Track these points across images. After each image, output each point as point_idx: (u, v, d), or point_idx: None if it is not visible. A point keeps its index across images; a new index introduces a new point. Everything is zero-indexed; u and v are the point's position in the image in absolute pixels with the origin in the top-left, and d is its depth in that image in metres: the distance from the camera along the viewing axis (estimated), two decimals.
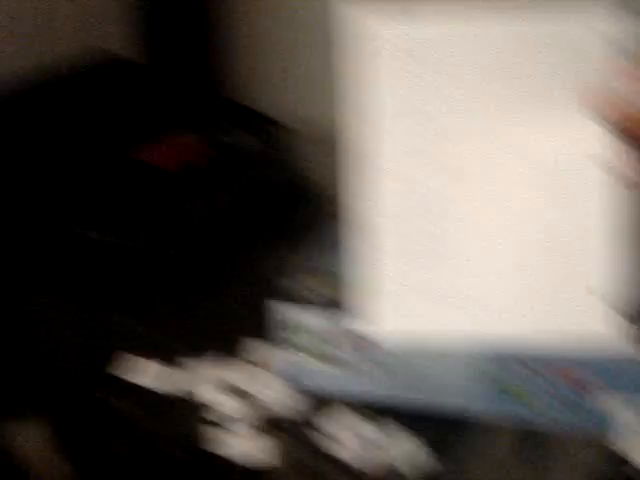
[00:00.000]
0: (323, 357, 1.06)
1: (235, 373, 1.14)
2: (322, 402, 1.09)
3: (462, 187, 0.69)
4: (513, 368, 1.00)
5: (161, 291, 1.35)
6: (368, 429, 1.03)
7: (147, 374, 1.14)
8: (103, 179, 1.50)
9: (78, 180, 1.48)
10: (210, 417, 1.06)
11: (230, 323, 1.26)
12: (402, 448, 1.01)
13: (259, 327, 1.11)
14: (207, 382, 1.12)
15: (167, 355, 1.17)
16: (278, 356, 1.09)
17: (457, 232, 0.70)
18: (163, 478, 1.11)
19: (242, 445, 1.02)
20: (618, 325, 0.68)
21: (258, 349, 1.17)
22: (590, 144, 0.66)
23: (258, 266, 1.35)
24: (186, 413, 1.09)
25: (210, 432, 1.04)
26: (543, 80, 0.67)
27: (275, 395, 1.09)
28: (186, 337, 1.23)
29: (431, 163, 0.69)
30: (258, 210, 1.55)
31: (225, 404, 1.08)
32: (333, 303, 1.01)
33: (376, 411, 1.07)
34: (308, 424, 1.06)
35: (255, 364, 1.15)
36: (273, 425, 1.06)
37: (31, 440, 1.31)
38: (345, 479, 0.98)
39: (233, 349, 1.18)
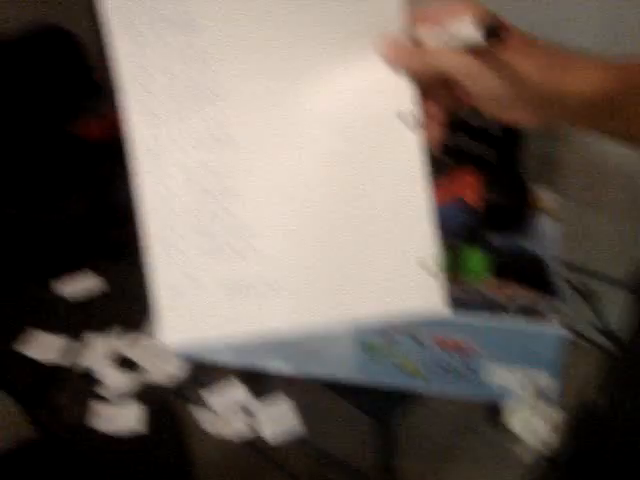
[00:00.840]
0: None
1: (130, 347, 1.15)
2: (205, 371, 1.10)
3: (240, 158, 0.60)
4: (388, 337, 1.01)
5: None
6: (242, 396, 1.03)
7: (48, 348, 1.16)
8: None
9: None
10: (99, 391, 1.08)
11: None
12: (271, 413, 1.01)
13: None
14: (102, 355, 1.13)
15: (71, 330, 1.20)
16: None
17: (247, 213, 0.61)
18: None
19: (121, 417, 1.03)
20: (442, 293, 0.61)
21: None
22: (389, 97, 0.60)
23: None
24: (76, 386, 1.10)
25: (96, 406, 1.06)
26: (321, 28, 0.59)
27: (161, 365, 1.10)
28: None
29: (196, 135, 0.60)
30: None
31: (114, 377, 1.09)
32: None
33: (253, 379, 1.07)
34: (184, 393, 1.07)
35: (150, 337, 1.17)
36: (150, 394, 1.07)
37: None
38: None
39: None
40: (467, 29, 0.51)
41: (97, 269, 1.37)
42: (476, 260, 1.09)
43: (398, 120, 0.60)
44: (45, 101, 1.66)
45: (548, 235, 1.27)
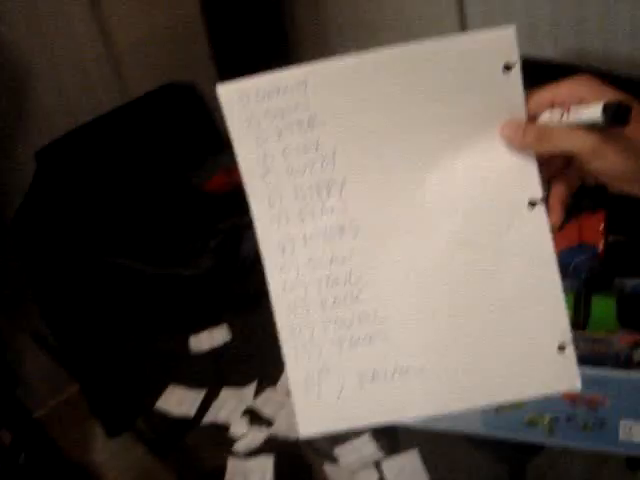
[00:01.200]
0: None
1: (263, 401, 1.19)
2: None
3: (366, 246, 0.62)
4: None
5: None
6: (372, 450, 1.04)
7: (184, 402, 1.22)
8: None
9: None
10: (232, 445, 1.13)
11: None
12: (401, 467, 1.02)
13: None
14: (235, 410, 1.18)
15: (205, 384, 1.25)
16: None
17: (375, 300, 0.62)
18: None
19: (254, 471, 1.07)
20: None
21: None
22: (517, 184, 0.60)
23: None
24: (210, 440, 1.15)
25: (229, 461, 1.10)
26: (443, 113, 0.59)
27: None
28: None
29: (322, 226, 0.62)
30: None
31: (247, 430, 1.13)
32: None
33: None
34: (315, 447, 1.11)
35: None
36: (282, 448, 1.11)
37: None
38: None
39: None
40: (593, 113, 0.51)
41: (230, 323, 1.42)
42: (605, 308, 1.07)
43: (527, 206, 0.60)
44: (170, 155, 1.74)
45: None
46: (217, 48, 2.12)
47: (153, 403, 1.25)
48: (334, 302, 0.62)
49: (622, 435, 0.99)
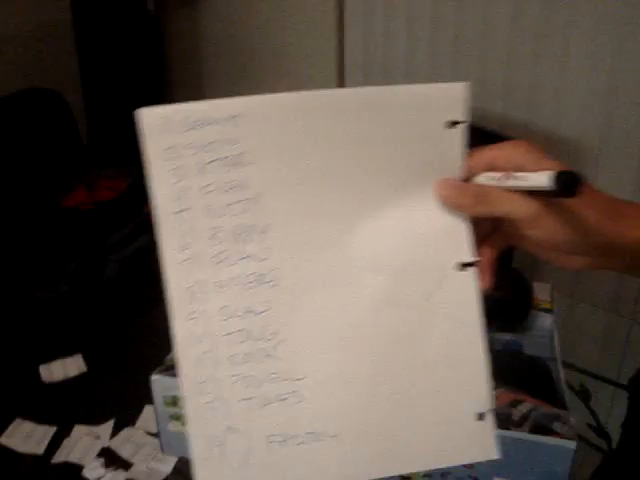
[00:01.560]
0: None
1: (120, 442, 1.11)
2: None
3: (286, 300, 0.57)
4: None
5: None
6: None
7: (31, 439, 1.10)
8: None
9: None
10: None
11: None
12: None
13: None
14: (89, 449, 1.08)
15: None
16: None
17: (292, 357, 0.57)
18: None
19: None
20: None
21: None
22: (448, 245, 0.58)
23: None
24: None
25: None
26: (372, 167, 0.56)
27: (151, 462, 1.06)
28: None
29: (239, 275, 0.56)
30: None
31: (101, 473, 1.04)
32: None
33: None
34: None
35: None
36: None
37: None
38: None
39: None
40: (543, 180, 0.49)
41: (86, 353, 1.32)
42: None
43: (456, 269, 0.57)
44: (28, 163, 1.62)
45: (546, 332, 1.26)
46: (84, 59, 2.02)
47: None
48: (245, 358, 0.57)
49: None
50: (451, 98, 0.55)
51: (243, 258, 0.55)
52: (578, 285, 1.66)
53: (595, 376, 1.48)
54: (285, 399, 0.57)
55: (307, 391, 0.57)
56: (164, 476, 1.06)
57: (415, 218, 0.57)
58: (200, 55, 2.22)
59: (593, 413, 1.40)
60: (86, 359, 1.31)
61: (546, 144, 1.49)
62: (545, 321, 1.29)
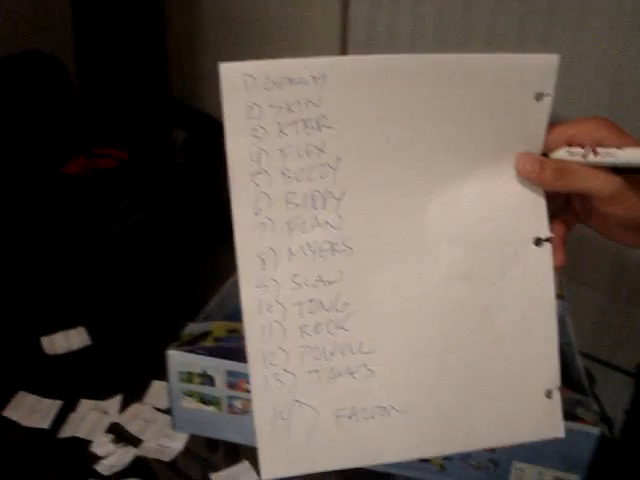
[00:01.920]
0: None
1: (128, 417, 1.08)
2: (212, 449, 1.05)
3: (357, 270, 0.55)
4: None
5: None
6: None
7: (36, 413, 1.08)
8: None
9: None
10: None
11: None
12: None
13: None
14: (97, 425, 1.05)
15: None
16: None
17: (361, 329, 0.56)
18: None
19: None
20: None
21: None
22: (525, 220, 0.57)
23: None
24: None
25: None
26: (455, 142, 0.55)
27: (160, 439, 1.03)
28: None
29: (311, 242, 0.54)
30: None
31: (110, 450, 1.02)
32: None
33: None
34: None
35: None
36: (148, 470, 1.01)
37: None
38: None
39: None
40: (633, 156, 0.50)
41: (90, 325, 1.29)
42: None
43: (533, 244, 0.56)
44: (27, 129, 1.57)
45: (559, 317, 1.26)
46: (78, 23, 1.96)
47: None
48: (315, 329, 0.55)
49: (513, 477, 0.99)
50: (542, 69, 0.54)
51: (317, 225, 0.54)
52: (577, 269, 1.65)
53: (595, 359, 1.48)
54: (354, 372, 0.56)
55: (376, 365, 0.56)
56: (175, 453, 1.04)
57: (493, 190, 0.56)
58: (200, 22, 2.17)
59: (597, 398, 1.40)
60: (89, 332, 1.28)
61: None
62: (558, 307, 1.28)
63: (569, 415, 0.96)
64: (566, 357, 1.14)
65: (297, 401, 0.55)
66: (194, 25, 2.17)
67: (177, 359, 0.99)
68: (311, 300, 0.55)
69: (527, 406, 0.58)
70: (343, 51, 1.88)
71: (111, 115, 1.79)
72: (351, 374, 0.56)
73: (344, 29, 1.86)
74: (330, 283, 0.55)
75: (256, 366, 0.55)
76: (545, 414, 0.58)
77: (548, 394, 0.58)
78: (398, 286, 0.56)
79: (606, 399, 1.51)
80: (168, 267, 1.38)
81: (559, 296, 1.30)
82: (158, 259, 1.39)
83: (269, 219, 0.53)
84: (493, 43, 1.57)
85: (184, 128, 1.95)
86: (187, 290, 1.36)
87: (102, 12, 1.94)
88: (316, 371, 0.55)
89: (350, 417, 0.56)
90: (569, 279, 1.64)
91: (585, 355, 1.47)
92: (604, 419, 1.39)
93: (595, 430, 0.93)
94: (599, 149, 0.52)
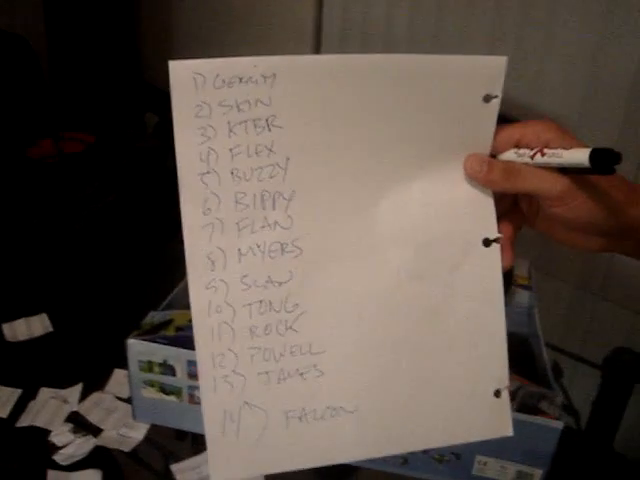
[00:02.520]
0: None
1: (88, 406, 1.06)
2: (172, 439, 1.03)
3: (307, 270, 0.55)
4: None
5: None
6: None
7: None
8: None
9: None
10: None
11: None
12: None
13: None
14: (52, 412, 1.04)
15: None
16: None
17: (311, 329, 0.55)
18: None
19: None
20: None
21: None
22: (474, 220, 0.57)
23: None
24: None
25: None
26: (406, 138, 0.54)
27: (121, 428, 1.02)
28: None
29: (260, 242, 0.54)
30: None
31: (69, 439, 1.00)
32: None
33: None
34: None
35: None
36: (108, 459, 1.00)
37: None
38: None
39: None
40: (578, 157, 0.49)
41: (52, 312, 1.27)
42: None
43: (481, 245, 0.56)
44: None
45: (523, 308, 1.25)
46: (49, 4, 1.93)
47: None
48: (265, 330, 0.54)
49: (475, 470, 0.98)
50: (490, 71, 0.53)
51: (266, 226, 0.53)
52: (547, 261, 1.65)
53: (563, 352, 1.48)
54: (304, 373, 0.55)
55: (327, 365, 0.55)
56: (136, 443, 1.03)
57: (442, 191, 0.56)
58: (173, 4, 2.14)
59: (564, 390, 1.40)
60: (52, 318, 1.26)
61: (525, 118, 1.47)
62: (523, 297, 1.28)
63: (532, 409, 0.95)
64: (532, 349, 1.14)
65: (247, 403, 0.54)
66: (167, 7, 2.14)
67: (137, 348, 0.97)
68: (261, 301, 0.54)
69: (476, 406, 0.58)
70: (317, 43, 1.86)
71: (81, 98, 1.76)
72: (301, 375, 0.55)
73: (318, 21, 1.84)
74: (280, 284, 0.54)
75: (205, 368, 0.54)
76: (494, 413, 0.58)
77: (497, 394, 0.58)
78: (348, 287, 0.55)
79: (575, 391, 1.51)
80: (134, 253, 1.36)
81: (527, 287, 1.29)
82: (124, 245, 1.37)
83: (218, 219, 0.52)
84: (465, 37, 1.56)
85: (156, 112, 1.93)
86: (153, 277, 1.35)
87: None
88: (266, 372, 0.55)
89: (300, 418, 0.55)
90: (540, 271, 1.64)
91: (554, 347, 1.47)
92: (570, 411, 1.40)
93: (558, 424, 0.93)
94: (546, 150, 0.52)
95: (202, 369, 0.54)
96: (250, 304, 0.54)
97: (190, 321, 0.97)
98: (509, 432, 0.59)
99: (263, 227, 0.53)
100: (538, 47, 1.45)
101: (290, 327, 0.55)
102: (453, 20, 1.57)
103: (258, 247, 0.53)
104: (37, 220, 1.32)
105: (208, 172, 0.51)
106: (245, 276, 0.53)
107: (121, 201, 1.37)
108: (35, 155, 1.51)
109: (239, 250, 0.53)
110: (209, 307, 0.53)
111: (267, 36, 1.93)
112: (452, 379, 0.58)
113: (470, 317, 0.57)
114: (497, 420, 0.58)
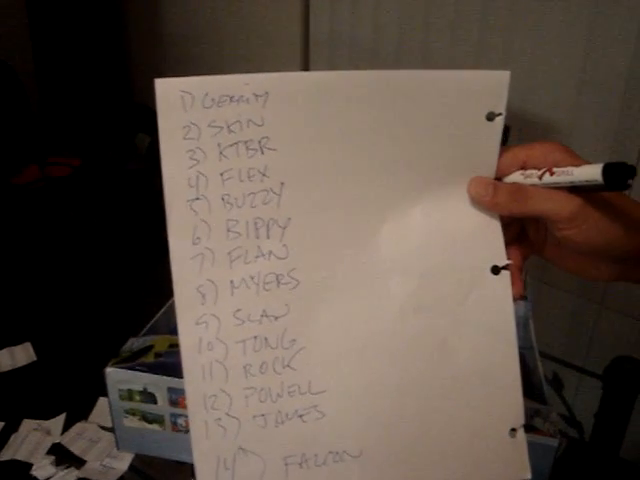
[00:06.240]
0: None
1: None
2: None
3: (305, 303, 0.51)
4: None
5: None
6: None
7: None
8: None
9: None
10: None
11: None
12: None
13: None
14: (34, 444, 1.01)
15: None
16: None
17: (310, 368, 0.51)
18: None
19: None
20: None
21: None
22: (481, 248, 0.53)
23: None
24: None
25: None
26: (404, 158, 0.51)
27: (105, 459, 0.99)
28: None
29: (254, 274, 0.50)
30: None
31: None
32: None
33: None
34: None
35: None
36: None
37: None
38: None
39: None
40: (590, 173, 0.45)
41: (35, 341, 1.24)
42: None
43: (490, 273, 0.52)
44: None
45: (519, 319, 1.22)
46: (35, 30, 1.91)
47: None
48: (260, 368, 0.50)
49: None
50: (493, 87, 0.50)
51: (260, 256, 0.49)
52: (546, 269, 1.62)
53: (565, 363, 1.45)
54: (304, 415, 0.51)
55: (328, 406, 0.51)
56: (120, 474, 0.99)
57: (446, 217, 0.52)
58: (162, 24, 2.13)
59: (565, 403, 1.36)
60: (36, 348, 1.23)
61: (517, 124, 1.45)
62: (518, 308, 1.24)
63: (526, 426, 0.92)
64: (527, 362, 1.10)
65: (242, 448, 0.50)
66: (157, 27, 2.13)
67: (116, 376, 0.94)
68: (255, 337, 0.50)
69: (490, 447, 0.53)
70: (305, 57, 1.84)
71: (69, 121, 1.74)
72: (300, 417, 0.51)
73: (305, 36, 1.82)
74: (276, 318, 0.50)
75: (196, 410, 0.50)
76: (510, 454, 0.54)
77: (512, 433, 0.54)
78: (349, 321, 0.51)
79: (579, 402, 1.48)
80: (119, 278, 1.33)
81: (522, 297, 1.26)
82: (110, 270, 1.34)
83: (209, 249, 0.49)
84: (455, 43, 1.53)
85: (148, 132, 1.91)
86: (138, 303, 1.32)
87: (60, 18, 1.89)
88: (262, 415, 0.50)
89: (300, 465, 0.51)
90: (539, 281, 1.61)
91: (556, 359, 1.44)
92: (573, 423, 1.36)
93: (553, 442, 0.89)
94: (555, 169, 0.49)
95: (192, 411, 0.50)
96: (244, 340, 0.50)
97: (170, 346, 0.95)
98: (527, 475, 0.54)
99: (257, 257, 0.49)
100: (527, 53, 1.43)
101: (287, 365, 0.51)
102: (441, 28, 1.55)
103: (252, 279, 0.50)
104: (21, 248, 1.30)
105: (197, 198, 0.48)
106: (238, 310, 0.50)
107: (105, 225, 1.35)
108: (21, 182, 1.49)
109: (231, 282, 0.49)
110: (200, 344, 0.49)
111: (256, 54, 1.92)
112: (463, 419, 0.53)
113: (481, 351, 0.53)
114: (513, 462, 0.54)
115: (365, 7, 1.66)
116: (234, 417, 0.50)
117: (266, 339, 0.50)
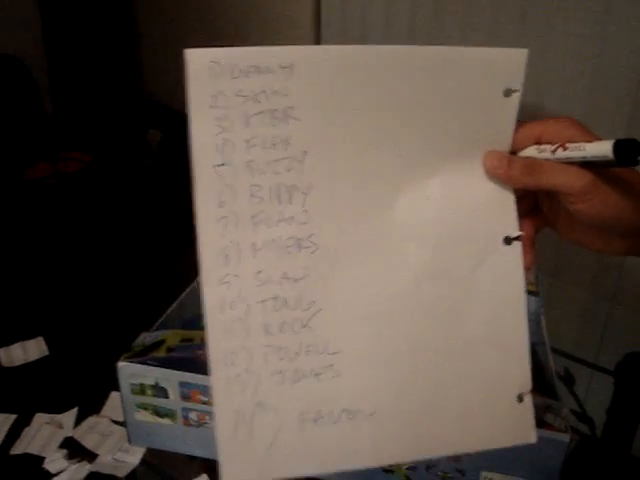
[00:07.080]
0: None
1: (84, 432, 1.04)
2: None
3: (323, 267, 0.53)
4: None
5: None
6: None
7: None
8: None
9: None
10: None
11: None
12: None
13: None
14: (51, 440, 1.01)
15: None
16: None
17: (327, 328, 0.53)
18: None
19: None
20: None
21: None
22: (495, 218, 0.55)
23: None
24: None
25: None
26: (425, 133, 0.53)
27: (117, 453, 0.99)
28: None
29: (276, 237, 0.52)
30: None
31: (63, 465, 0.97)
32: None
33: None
34: None
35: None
36: None
37: None
38: None
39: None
40: (601, 149, 0.47)
41: (47, 336, 1.25)
42: None
43: (502, 243, 0.55)
44: None
45: (531, 315, 1.21)
46: (47, 25, 1.92)
47: None
48: (280, 328, 0.52)
49: None
50: (510, 65, 0.52)
51: (282, 220, 0.51)
52: (558, 264, 1.61)
53: (576, 359, 1.44)
54: (320, 374, 0.53)
55: (343, 366, 0.53)
56: (131, 468, 1.00)
57: (462, 189, 0.54)
58: (171, 15, 2.13)
59: (577, 398, 1.36)
60: (48, 342, 1.24)
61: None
62: (530, 303, 1.24)
63: (538, 421, 0.91)
64: (539, 357, 1.10)
65: (260, 404, 0.52)
66: (166, 22, 2.13)
67: (128, 371, 0.95)
68: (275, 298, 0.52)
69: (498, 411, 0.56)
70: (317, 36, 1.84)
71: (80, 118, 1.75)
72: (316, 376, 0.53)
73: (317, 23, 1.82)
74: (295, 280, 0.52)
75: (217, 367, 0.52)
76: (516, 419, 0.56)
77: (519, 398, 0.56)
78: (366, 285, 0.54)
79: (590, 398, 1.47)
80: (131, 273, 1.34)
81: (534, 293, 1.26)
82: (121, 265, 1.35)
83: (233, 212, 0.51)
84: (467, 32, 1.53)
85: (160, 128, 1.91)
86: (149, 297, 1.32)
87: (73, 16, 1.90)
88: (280, 372, 0.52)
89: (315, 421, 0.53)
90: (551, 277, 1.60)
91: (568, 355, 1.43)
92: (584, 419, 1.36)
93: (564, 437, 0.89)
94: (568, 144, 0.51)
95: (214, 367, 0.52)
96: (264, 301, 0.52)
97: (182, 341, 0.96)
98: (532, 439, 0.57)
99: (279, 222, 0.51)
100: (538, 44, 1.42)
101: (306, 325, 0.53)
102: (451, 18, 1.55)
103: (273, 242, 0.52)
104: (33, 243, 1.30)
105: (223, 164, 0.50)
106: (260, 272, 0.52)
107: (116, 220, 1.35)
108: (32, 177, 1.50)
109: (254, 245, 0.51)
110: (222, 303, 0.51)
111: (268, 43, 1.92)
112: (472, 383, 0.55)
113: (491, 317, 0.55)
114: (519, 426, 0.56)
115: (376, 8, 1.66)
116: (253, 373, 0.52)
117: (286, 300, 0.52)
